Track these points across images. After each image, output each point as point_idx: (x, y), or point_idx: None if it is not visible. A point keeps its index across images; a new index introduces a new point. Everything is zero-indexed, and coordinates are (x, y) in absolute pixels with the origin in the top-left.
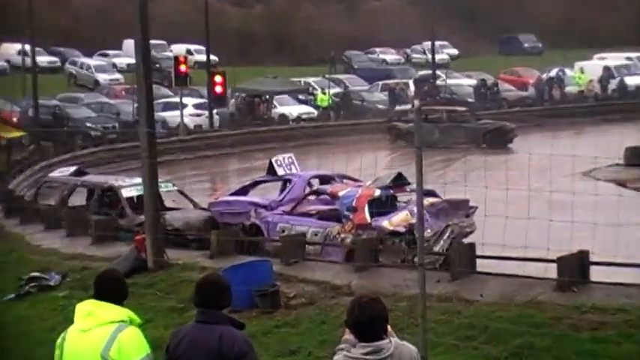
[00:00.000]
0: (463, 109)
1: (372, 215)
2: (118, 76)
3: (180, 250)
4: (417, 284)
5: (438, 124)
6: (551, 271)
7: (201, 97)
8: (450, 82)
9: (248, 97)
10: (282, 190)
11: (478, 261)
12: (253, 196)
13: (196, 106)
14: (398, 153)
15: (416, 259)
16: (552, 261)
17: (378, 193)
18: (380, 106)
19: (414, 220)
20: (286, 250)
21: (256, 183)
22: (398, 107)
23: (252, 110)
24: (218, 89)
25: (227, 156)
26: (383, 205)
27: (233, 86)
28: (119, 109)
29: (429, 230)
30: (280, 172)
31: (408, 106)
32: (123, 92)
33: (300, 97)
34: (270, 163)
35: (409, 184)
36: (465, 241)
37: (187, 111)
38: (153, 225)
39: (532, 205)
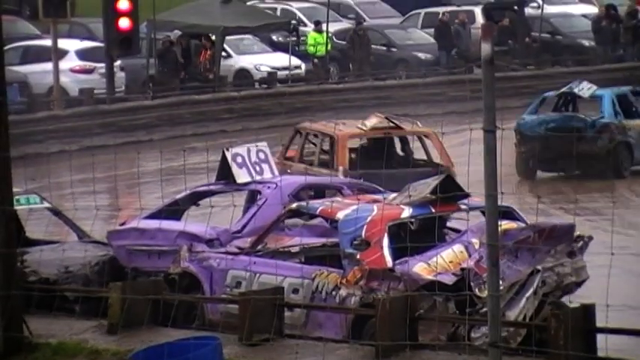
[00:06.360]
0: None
1: (397, 254)
2: None
3: (55, 318)
4: None
5: None
6: None
7: (92, 37)
8: (550, 10)
9: (179, 38)
10: (245, 211)
11: (600, 337)
12: (187, 222)
13: (83, 55)
14: (458, 140)
15: (477, 334)
16: None
17: (407, 213)
18: (421, 55)
19: (472, 262)
20: (247, 320)
21: (195, 196)
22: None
23: (187, 62)
24: (124, 23)
25: (140, 145)
26: (418, 236)
27: (151, 18)
28: None
29: (501, 280)
30: (241, 176)
31: None
32: None
33: (276, 37)
34: (224, 160)
35: (467, 196)
36: (571, 299)
37: (67, 63)
38: (3, 273)
39: None
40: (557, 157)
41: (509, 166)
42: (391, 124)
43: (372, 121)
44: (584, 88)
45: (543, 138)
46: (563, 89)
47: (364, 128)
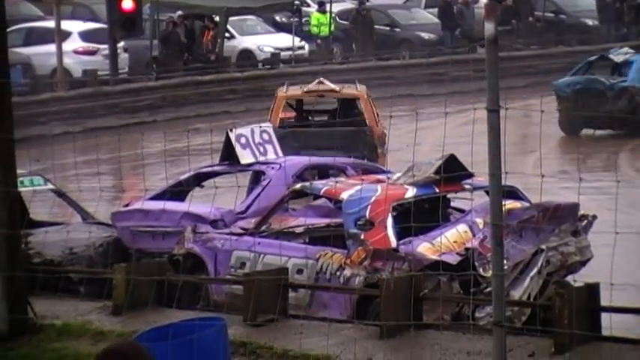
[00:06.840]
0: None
1: (401, 234)
2: None
3: (59, 299)
4: None
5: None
6: None
7: (95, 18)
8: None
9: (182, 19)
10: (248, 191)
11: (604, 316)
12: (191, 203)
13: (86, 36)
14: (462, 119)
15: (481, 314)
16: None
17: (411, 193)
18: (425, 35)
19: (476, 242)
20: (252, 300)
21: (199, 177)
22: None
23: (190, 43)
24: (127, 4)
25: (144, 127)
26: (422, 216)
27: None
28: None
29: (505, 260)
30: (245, 156)
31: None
32: None
33: (279, 18)
34: (227, 141)
35: (471, 176)
36: (575, 278)
37: (70, 45)
38: (7, 254)
39: None
40: (586, 115)
41: (513, 146)
42: (324, 88)
43: (311, 85)
44: (620, 53)
45: (571, 98)
46: (603, 54)
47: (302, 90)
